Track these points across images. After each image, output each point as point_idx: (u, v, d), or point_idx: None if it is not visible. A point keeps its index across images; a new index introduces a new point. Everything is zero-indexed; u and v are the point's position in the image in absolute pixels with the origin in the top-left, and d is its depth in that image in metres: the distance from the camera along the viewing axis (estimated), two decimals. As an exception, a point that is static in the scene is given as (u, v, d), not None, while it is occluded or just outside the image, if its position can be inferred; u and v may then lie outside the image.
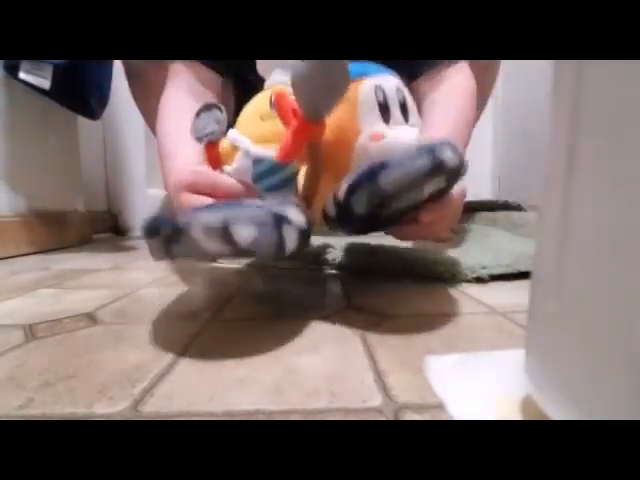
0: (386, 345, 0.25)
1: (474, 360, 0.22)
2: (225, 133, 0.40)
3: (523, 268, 0.42)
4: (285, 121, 0.29)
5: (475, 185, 1.13)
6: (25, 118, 0.74)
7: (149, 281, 0.46)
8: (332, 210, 0.30)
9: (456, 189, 0.34)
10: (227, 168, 0.40)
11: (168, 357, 0.24)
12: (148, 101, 0.75)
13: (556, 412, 0.14)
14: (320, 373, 0.21)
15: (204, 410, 0.18)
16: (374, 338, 0.26)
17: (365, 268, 0.47)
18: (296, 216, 0.26)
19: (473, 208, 0.84)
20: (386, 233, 0.38)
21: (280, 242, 0.24)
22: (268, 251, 0.23)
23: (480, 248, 0.54)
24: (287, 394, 0.19)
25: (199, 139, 0.40)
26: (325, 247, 0.52)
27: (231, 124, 0.51)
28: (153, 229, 0.23)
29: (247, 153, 0.38)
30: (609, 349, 0.12)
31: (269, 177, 0.37)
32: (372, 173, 0.26)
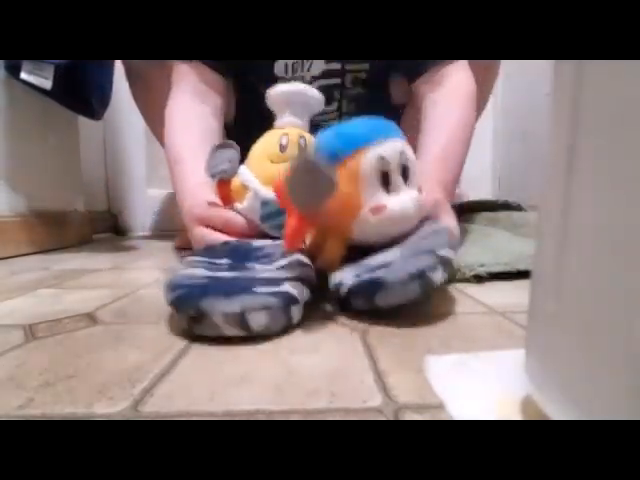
0: (386, 345, 0.25)
1: (474, 360, 0.22)
2: (236, 171, 0.43)
3: (523, 267, 0.42)
4: (285, 207, 0.31)
5: (475, 185, 1.13)
6: (25, 118, 0.74)
7: (149, 281, 0.46)
8: (332, 288, 0.32)
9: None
10: (238, 205, 0.43)
11: (168, 357, 0.24)
12: (148, 101, 0.75)
13: (556, 412, 0.14)
14: (320, 373, 0.21)
15: (204, 410, 0.18)
16: (374, 338, 0.26)
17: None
18: (300, 291, 0.28)
19: (473, 208, 0.84)
20: None
21: (288, 321, 0.27)
22: (278, 330, 0.27)
23: (480, 248, 0.54)
24: (287, 394, 0.19)
25: (212, 176, 0.43)
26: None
27: (231, 127, 0.51)
28: (178, 305, 0.26)
29: (256, 194, 0.41)
30: (609, 349, 0.12)
31: (276, 218, 0.40)
32: (368, 291, 0.29)
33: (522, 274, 0.41)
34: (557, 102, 0.14)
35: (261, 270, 0.32)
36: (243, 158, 0.45)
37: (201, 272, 0.31)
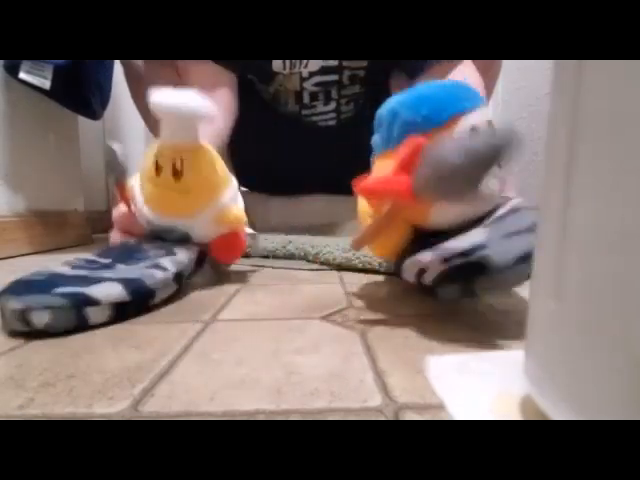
0: (386, 345, 0.25)
1: (474, 360, 0.22)
2: (125, 174, 0.43)
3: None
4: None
5: (475, 185, 1.13)
6: (25, 118, 0.74)
7: (149, 281, 0.46)
8: (410, 277, 0.29)
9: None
10: (134, 207, 0.43)
11: (168, 357, 0.24)
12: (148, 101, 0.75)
13: (556, 412, 0.14)
14: (320, 373, 0.21)
15: (204, 410, 0.18)
16: (374, 338, 0.26)
17: (366, 268, 0.47)
18: (110, 293, 0.30)
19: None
20: None
21: (80, 321, 0.28)
22: (66, 328, 0.28)
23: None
24: (287, 394, 0.19)
25: (113, 178, 0.44)
26: (325, 247, 0.52)
27: (236, 124, 0.51)
28: None
29: (140, 212, 0.41)
30: (609, 349, 0.12)
31: (165, 235, 0.41)
32: (467, 277, 0.25)
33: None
34: (557, 102, 0.14)
35: (119, 270, 0.34)
36: (247, 160, 0.45)
37: (59, 269, 0.32)
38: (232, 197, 0.42)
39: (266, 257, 0.56)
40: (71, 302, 0.28)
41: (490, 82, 0.74)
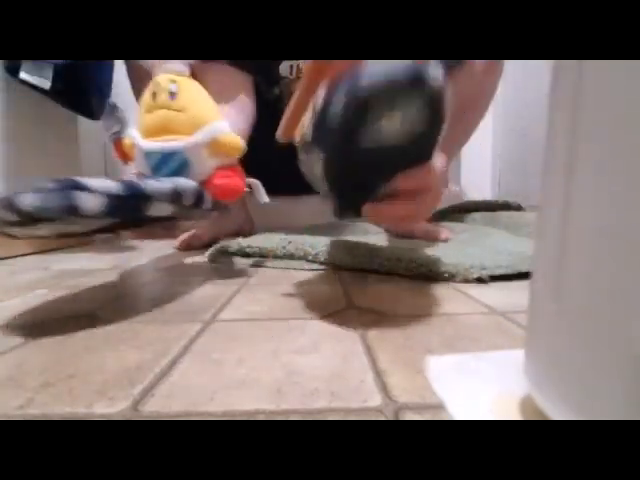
0: (386, 345, 0.25)
1: (474, 360, 0.22)
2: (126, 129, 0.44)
3: (523, 269, 0.42)
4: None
5: (475, 185, 1.13)
6: (25, 118, 0.74)
7: (149, 281, 0.46)
8: (309, 126, 0.29)
9: (437, 163, 0.32)
10: (131, 164, 0.44)
11: (168, 357, 0.24)
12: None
13: (556, 412, 0.14)
14: (320, 373, 0.21)
15: (204, 410, 0.18)
16: (374, 338, 0.26)
17: (366, 268, 0.47)
18: (104, 184, 0.28)
19: (473, 208, 0.84)
20: (365, 216, 0.35)
21: (69, 206, 0.26)
22: (56, 211, 0.26)
23: (480, 248, 0.54)
24: (287, 394, 0.19)
25: (109, 138, 0.45)
26: (325, 247, 0.52)
27: (255, 124, 0.51)
28: None
29: (139, 148, 0.41)
30: (609, 349, 0.12)
31: (164, 167, 0.41)
32: (354, 75, 0.26)
33: (522, 275, 0.41)
34: (557, 102, 0.14)
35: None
36: (249, 160, 0.45)
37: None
38: (226, 127, 0.42)
39: (266, 257, 0.56)
40: (59, 185, 0.26)
41: (493, 83, 0.74)
